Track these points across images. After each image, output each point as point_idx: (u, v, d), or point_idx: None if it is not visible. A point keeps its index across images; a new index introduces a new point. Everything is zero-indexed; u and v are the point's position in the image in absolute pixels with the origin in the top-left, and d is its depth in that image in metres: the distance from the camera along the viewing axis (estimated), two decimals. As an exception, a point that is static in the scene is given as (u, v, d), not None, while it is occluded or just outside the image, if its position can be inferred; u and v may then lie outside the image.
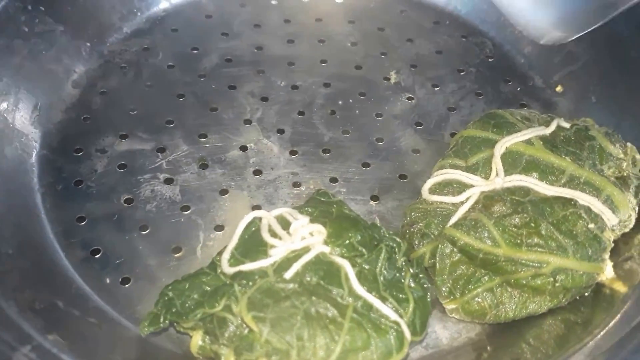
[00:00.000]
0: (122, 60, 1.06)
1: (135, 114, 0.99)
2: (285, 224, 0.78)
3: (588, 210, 0.80)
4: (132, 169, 0.92)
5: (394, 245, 0.77)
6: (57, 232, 0.86)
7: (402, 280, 0.75)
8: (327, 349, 0.68)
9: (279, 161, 0.94)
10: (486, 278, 0.77)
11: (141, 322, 0.73)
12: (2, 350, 0.68)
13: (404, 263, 0.77)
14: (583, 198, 0.80)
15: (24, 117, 0.95)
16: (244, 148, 0.96)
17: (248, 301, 0.70)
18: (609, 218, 0.81)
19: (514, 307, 0.78)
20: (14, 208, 0.87)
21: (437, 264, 0.78)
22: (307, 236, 0.76)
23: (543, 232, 0.77)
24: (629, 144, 0.87)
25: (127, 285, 0.82)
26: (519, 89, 1.06)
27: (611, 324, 0.75)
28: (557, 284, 0.76)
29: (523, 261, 0.76)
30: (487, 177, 0.83)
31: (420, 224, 0.82)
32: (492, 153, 0.84)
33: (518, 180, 0.82)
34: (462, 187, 0.83)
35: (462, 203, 0.82)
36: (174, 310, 0.72)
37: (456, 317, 0.79)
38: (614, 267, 0.81)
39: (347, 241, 0.76)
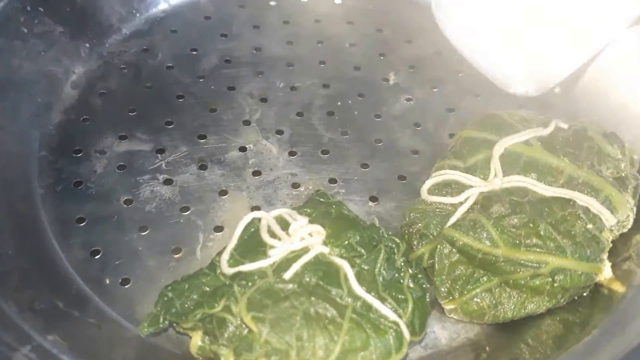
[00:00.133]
0: (122, 61, 1.06)
1: (134, 114, 0.99)
2: (284, 224, 0.78)
3: (587, 210, 0.80)
4: (132, 170, 0.92)
5: (393, 245, 0.77)
6: (56, 233, 0.86)
7: (401, 281, 0.75)
8: (327, 349, 0.68)
9: (278, 162, 0.95)
10: (485, 278, 0.78)
11: (141, 323, 0.73)
12: (2, 350, 0.69)
13: (402, 263, 0.77)
14: (581, 199, 0.81)
15: (22, 118, 0.95)
16: (243, 149, 0.96)
17: (247, 302, 0.70)
18: (608, 218, 0.81)
19: (512, 308, 0.78)
20: (13, 209, 0.87)
21: (436, 265, 0.78)
22: (306, 237, 0.76)
23: (542, 233, 0.77)
24: (626, 145, 0.87)
25: (126, 286, 0.82)
26: (517, 90, 1.06)
27: (609, 324, 0.75)
28: (555, 284, 0.77)
29: (522, 261, 0.76)
30: (485, 178, 0.83)
31: (419, 225, 0.82)
32: (491, 154, 0.84)
33: (517, 181, 0.82)
34: (460, 187, 0.83)
35: (461, 204, 0.82)
36: (173, 310, 0.73)
37: (455, 317, 0.79)
38: (612, 267, 0.81)
39: (346, 242, 0.76)
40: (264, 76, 1.06)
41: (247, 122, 0.99)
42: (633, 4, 0.93)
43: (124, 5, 1.11)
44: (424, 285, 0.77)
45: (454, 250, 0.78)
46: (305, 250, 0.75)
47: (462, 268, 0.78)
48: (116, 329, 0.78)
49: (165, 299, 0.73)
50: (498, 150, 0.84)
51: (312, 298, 0.70)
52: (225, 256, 0.75)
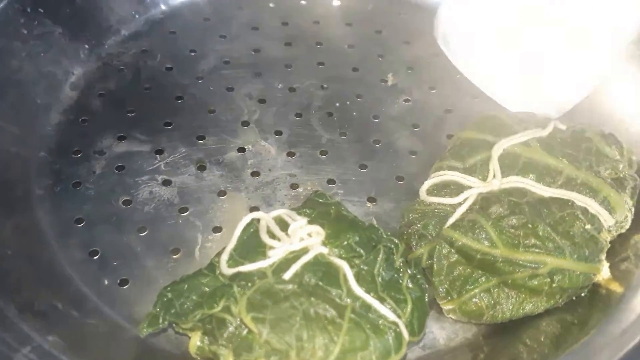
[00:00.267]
0: (121, 62, 1.06)
1: (133, 115, 0.99)
2: (283, 225, 0.78)
3: (585, 211, 0.80)
4: (130, 171, 0.92)
5: (392, 246, 0.78)
6: (55, 234, 0.86)
7: (400, 281, 0.75)
8: (326, 350, 0.68)
9: (276, 163, 0.95)
10: (483, 279, 0.78)
11: (140, 323, 0.73)
12: (3, 350, 0.69)
13: (401, 264, 0.77)
14: (580, 199, 0.81)
15: (21, 119, 0.95)
16: (241, 150, 0.96)
17: (247, 302, 0.70)
18: (606, 219, 0.81)
19: (511, 308, 0.78)
20: (12, 210, 0.87)
21: (435, 265, 0.78)
22: (306, 237, 0.76)
23: (540, 233, 0.77)
24: (625, 146, 0.87)
25: (125, 287, 0.82)
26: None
27: (607, 324, 0.75)
28: (554, 285, 0.77)
29: (520, 262, 0.77)
30: (484, 179, 0.84)
31: (418, 225, 0.82)
32: (490, 155, 0.84)
33: (515, 181, 0.82)
34: (459, 188, 0.84)
35: (460, 204, 0.82)
36: (172, 311, 0.73)
37: (453, 317, 0.80)
38: (610, 267, 0.81)
39: (346, 242, 0.76)
40: (262, 77, 1.06)
41: (245, 123, 0.99)
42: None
43: (123, 6, 1.11)
44: (423, 286, 0.77)
45: (452, 250, 0.79)
46: (304, 251, 0.75)
47: (460, 268, 0.79)
48: (115, 329, 0.79)
49: (165, 299, 0.73)
50: (497, 151, 0.84)
51: (312, 298, 0.71)
52: (225, 257, 0.75)
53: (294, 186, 0.92)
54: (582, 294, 0.80)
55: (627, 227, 0.83)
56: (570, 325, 0.78)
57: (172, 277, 0.77)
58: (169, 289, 0.74)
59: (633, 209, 0.83)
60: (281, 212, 0.80)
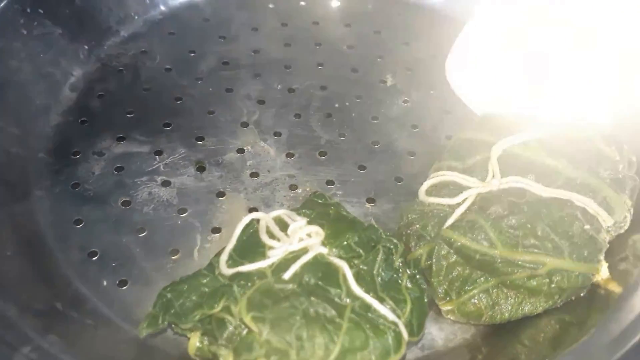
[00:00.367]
0: (120, 63, 1.06)
1: (132, 116, 0.99)
2: (283, 225, 0.78)
3: (584, 211, 0.80)
4: (130, 172, 0.92)
5: (391, 246, 0.78)
6: (54, 235, 0.86)
7: (400, 282, 0.75)
8: (326, 349, 0.68)
9: (275, 164, 0.95)
10: (482, 279, 0.78)
11: (140, 324, 0.73)
12: (3, 350, 0.69)
13: (401, 264, 0.77)
14: (579, 199, 0.80)
15: (21, 120, 0.95)
16: (240, 151, 0.96)
17: (247, 302, 0.70)
18: (605, 219, 0.81)
19: (509, 308, 0.78)
20: (11, 211, 0.87)
21: (434, 266, 0.78)
22: (305, 237, 0.76)
23: (539, 233, 0.77)
24: (625, 146, 0.87)
25: (124, 288, 0.82)
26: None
27: (606, 324, 0.75)
28: (552, 285, 0.77)
29: (519, 262, 0.76)
30: (483, 179, 0.83)
31: (417, 226, 0.82)
32: (489, 155, 0.84)
33: (514, 181, 0.82)
34: (458, 188, 0.83)
35: (459, 205, 0.82)
36: (172, 311, 0.73)
37: (452, 318, 0.80)
38: (609, 267, 0.81)
39: (345, 242, 0.76)
40: (261, 78, 1.06)
41: (244, 124, 0.99)
42: None
43: (122, 7, 1.11)
44: (423, 286, 0.77)
45: (451, 251, 0.79)
46: (304, 251, 0.75)
47: (459, 269, 0.79)
48: (114, 330, 0.79)
49: (164, 299, 0.73)
50: (496, 151, 0.84)
51: (312, 298, 0.71)
52: (224, 257, 0.75)
53: (293, 187, 0.92)
54: (581, 294, 0.80)
55: (626, 227, 0.83)
56: (568, 326, 0.78)
57: (171, 277, 0.77)
58: (168, 289, 0.74)
59: (632, 210, 0.83)
60: (281, 212, 0.80)
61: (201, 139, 0.97)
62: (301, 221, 0.78)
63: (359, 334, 0.70)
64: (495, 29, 0.99)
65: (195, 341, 0.73)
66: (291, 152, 0.96)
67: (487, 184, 0.82)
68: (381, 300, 0.73)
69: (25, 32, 0.99)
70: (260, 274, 0.73)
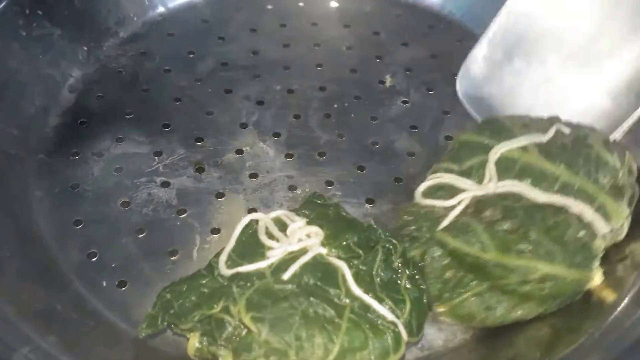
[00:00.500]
0: (119, 64, 1.06)
1: (131, 117, 0.99)
2: (282, 226, 0.78)
3: (579, 218, 0.79)
4: (129, 173, 0.92)
5: (390, 247, 0.78)
6: (54, 236, 0.86)
7: (399, 282, 0.75)
8: (325, 349, 0.69)
9: (274, 164, 0.95)
10: (475, 283, 0.77)
11: (140, 324, 0.73)
12: (2, 351, 0.69)
13: (400, 265, 0.77)
14: (575, 205, 0.79)
15: (20, 121, 0.95)
16: (240, 152, 0.96)
17: (247, 302, 0.70)
18: (601, 226, 0.79)
19: (502, 312, 0.77)
20: (11, 212, 0.87)
21: (427, 267, 0.78)
22: (304, 238, 0.76)
23: (533, 238, 0.76)
24: (627, 153, 0.85)
25: (123, 289, 0.82)
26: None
27: (599, 331, 0.75)
28: (545, 291, 0.76)
29: (512, 267, 0.76)
30: (480, 182, 0.83)
31: (412, 227, 0.82)
32: (487, 158, 0.84)
33: (511, 185, 0.81)
34: (454, 191, 0.83)
35: (454, 207, 0.81)
36: (172, 312, 0.73)
37: (446, 320, 0.79)
38: (604, 275, 0.80)
39: (344, 243, 0.76)
40: (260, 79, 1.06)
41: (244, 125, 0.99)
42: None
43: (122, 9, 1.11)
44: (422, 287, 0.77)
45: (444, 253, 0.78)
46: (303, 251, 0.75)
47: (452, 271, 0.78)
48: (113, 330, 0.79)
49: (164, 300, 0.73)
50: (494, 155, 0.83)
51: (311, 298, 0.71)
52: (224, 257, 0.75)
53: (292, 188, 0.92)
54: (575, 300, 0.80)
55: (623, 235, 0.82)
56: (561, 331, 0.78)
57: (170, 278, 0.77)
58: (168, 290, 0.74)
59: (630, 218, 0.82)
60: (280, 213, 0.80)
61: (200, 139, 0.97)
62: (300, 222, 0.78)
63: (358, 334, 0.70)
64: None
65: (194, 341, 0.73)
66: (290, 152, 0.96)
67: (483, 187, 0.82)
68: (380, 301, 0.73)
69: (24, 33, 0.99)
70: (260, 274, 0.73)
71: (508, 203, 0.79)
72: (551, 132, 0.85)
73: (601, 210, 0.79)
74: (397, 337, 0.71)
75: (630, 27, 0.94)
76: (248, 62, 1.09)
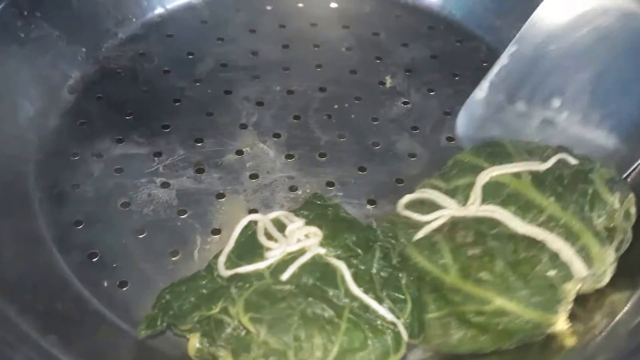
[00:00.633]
0: (118, 65, 1.06)
1: (131, 118, 0.99)
2: (281, 226, 0.78)
3: (555, 256, 0.75)
4: (129, 173, 0.92)
5: (389, 246, 0.78)
6: (54, 236, 0.86)
7: (400, 281, 0.75)
8: (325, 350, 0.68)
9: (275, 165, 0.95)
10: (434, 307, 0.76)
11: (139, 325, 0.73)
12: (3, 350, 0.69)
13: (398, 264, 0.77)
14: (554, 242, 0.76)
15: (20, 122, 0.95)
16: (240, 152, 0.96)
17: (245, 303, 0.70)
18: (579, 269, 0.75)
19: (457, 341, 0.75)
20: (11, 213, 0.87)
21: None
22: (303, 238, 0.76)
23: (495, 270, 0.73)
24: (630, 195, 0.82)
25: (124, 289, 0.82)
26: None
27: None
28: (500, 326, 0.73)
29: (467, 294, 0.74)
30: (464, 203, 0.81)
31: (389, 234, 0.80)
32: (474, 180, 0.82)
33: (492, 211, 0.79)
34: (436, 208, 0.81)
35: (429, 223, 0.80)
36: (171, 312, 0.72)
37: None
38: (575, 319, 0.77)
39: (343, 242, 0.76)
40: (260, 80, 1.06)
41: (243, 126, 0.99)
42: None
43: (120, 10, 1.11)
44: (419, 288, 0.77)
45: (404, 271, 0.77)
46: (302, 252, 0.75)
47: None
48: (114, 331, 0.78)
49: (163, 301, 0.73)
50: (483, 177, 0.81)
51: (310, 299, 0.70)
52: (222, 258, 0.75)
53: (292, 188, 0.92)
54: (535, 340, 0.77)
55: (605, 282, 0.78)
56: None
57: (171, 279, 0.77)
58: (167, 290, 0.74)
59: (615, 264, 0.79)
60: (279, 214, 0.80)
61: (200, 140, 0.97)
62: (299, 222, 0.78)
63: (357, 335, 0.69)
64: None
65: (194, 342, 0.73)
66: (291, 153, 0.96)
67: (464, 208, 0.80)
68: (380, 301, 0.72)
69: (22, 35, 0.99)
70: (258, 275, 0.73)
71: (483, 228, 0.77)
72: (551, 162, 0.82)
73: (583, 251, 0.76)
74: (397, 337, 0.71)
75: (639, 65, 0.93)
76: (247, 62, 1.08)
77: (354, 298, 0.72)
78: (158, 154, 0.95)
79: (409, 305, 0.73)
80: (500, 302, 0.73)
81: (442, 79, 1.07)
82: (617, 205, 0.79)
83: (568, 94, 0.95)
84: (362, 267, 0.75)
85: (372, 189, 0.93)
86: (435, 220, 0.80)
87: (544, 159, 0.83)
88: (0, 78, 0.95)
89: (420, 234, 0.79)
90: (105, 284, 0.82)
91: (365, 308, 0.72)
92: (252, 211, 0.89)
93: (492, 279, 0.73)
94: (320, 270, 0.73)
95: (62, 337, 0.73)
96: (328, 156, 0.96)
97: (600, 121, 0.93)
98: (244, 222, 0.78)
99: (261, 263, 0.74)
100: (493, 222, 0.78)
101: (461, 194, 0.82)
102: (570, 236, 0.76)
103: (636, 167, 0.89)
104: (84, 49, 1.06)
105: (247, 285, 0.72)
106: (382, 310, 0.72)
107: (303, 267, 0.73)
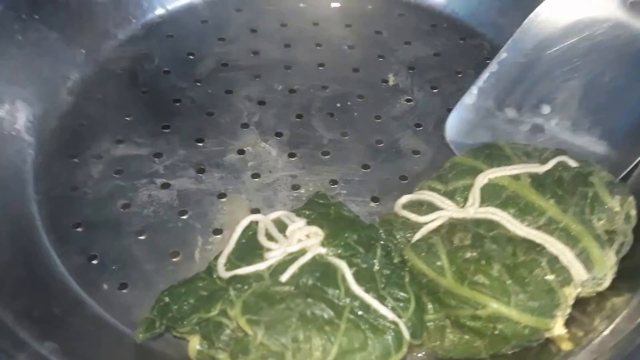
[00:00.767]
0: (118, 66, 1.05)
1: (131, 119, 0.98)
2: (282, 227, 0.77)
3: (554, 260, 0.74)
4: (129, 174, 0.91)
5: (390, 245, 0.77)
6: (53, 239, 0.85)
7: (403, 279, 0.74)
8: (324, 351, 0.67)
9: (277, 164, 0.94)
10: (432, 307, 0.75)
11: (137, 328, 0.73)
12: (0, 358, 0.68)
13: (399, 263, 0.76)
14: (554, 245, 0.75)
15: (19, 124, 0.94)
16: (241, 152, 0.95)
17: (243, 305, 0.69)
18: (579, 273, 0.74)
19: (451, 345, 0.75)
20: (9, 215, 0.86)
21: None
22: (304, 238, 0.75)
23: (493, 274, 0.72)
24: (630, 198, 0.81)
25: (124, 291, 0.81)
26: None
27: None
28: (496, 332, 0.72)
29: (462, 297, 0.73)
30: (462, 205, 0.80)
31: (386, 235, 0.80)
32: (473, 182, 0.81)
33: (491, 213, 0.78)
34: (434, 209, 0.81)
35: (426, 224, 0.79)
36: (170, 315, 0.72)
37: None
38: (577, 324, 0.76)
39: (344, 241, 0.75)
40: (261, 79, 1.05)
41: (245, 125, 0.98)
42: None
43: (120, 11, 1.10)
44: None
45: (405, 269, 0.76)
46: (302, 252, 0.74)
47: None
48: (114, 334, 0.78)
49: (162, 303, 0.73)
50: (481, 179, 0.81)
51: (309, 299, 0.70)
52: (222, 260, 0.75)
53: (295, 187, 0.91)
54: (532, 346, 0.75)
55: (606, 285, 0.77)
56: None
57: (172, 280, 0.77)
58: (166, 293, 0.74)
59: (615, 267, 0.77)
60: (280, 214, 0.79)
61: (201, 140, 0.96)
62: (300, 222, 0.77)
63: (357, 335, 0.68)
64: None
65: (195, 344, 0.72)
66: (293, 152, 0.95)
67: (462, 210, 0.79)
68: (382, 299, 0.71)
69: (20, 38, 0.98)
70: (258, 276, 0.72)
71: (481, 231, 0.76)
72: (550, 164, 0.82)
73: (583, 255, 0.75)
74: (398, 336, 0.70)
75: (633, 73, 0.93)
76: (249, 62, 1.07)
77: (354, 297, 0.71)
78: (158, 155, 0.94)
79: (413, 304, 0.72)
80: (495, 306, 0.71)
81: (445, 77, 1.07)
82: (617, 208, 0.78)
83: (558, 101, 0.95)
84: (364, 266, 0.74)
85: (376, 186, 0.92)
86: (432, 221, 0.79)
87: (543, 161, 0.83)
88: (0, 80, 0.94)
89: (417, 236, 0.78)
90: (105, 287, 0.81)
91: (366, 307, 0.70)
92: (254, 211, 0.88)
93: (488, 283, 0.72)
94: (320, 270, 0.73)
95: (60, 342, 0.72)
96: (331, 154, 0.95)
97: (589, 128, 0.93)
98: (244, 222, 0.78)
99: (261, 264, 0.73)
100: (491, 224, 0.77)
101: (459, 196, 0.81)
102: (570, 239, 0.75)
103: (626, 172, 0.88)
104: (83, 51, 1.05)
105: (246, 287, 0.71)
106: (383, 309, 0.70)
107: (303, 268, 0.73)
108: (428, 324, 0.74)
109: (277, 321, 0.68)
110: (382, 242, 0.76)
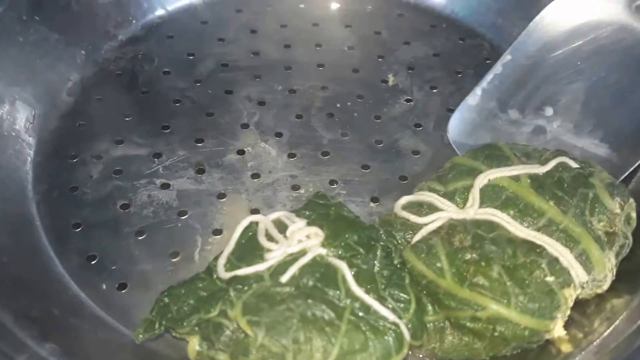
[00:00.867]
0: (118, 67, 1.05)
1: (130, 119, 0.98)
2: (282, 227, 0.77)
3: (554, 261, 0.74)
4: (128, 175, 0.91)
5: (391, 246, 0.77)
6: (52, 239, 0.85)
7: (404, 280, 0.74)
8: (324, 352, 0.67)
9: (277, 164, 0.94)
10: (431, 310, 0.75)
11: (136, 329, 0.72)
12: (-1, 359, 0.68)
13: (399, 264, 0.76)
14: (554, 247, 0.75)
15: (19, 125, 0.94)
16: (241, 152, 0.95)
17: (243, 305, 0.69)
18: (579, 274, 0.74)
19: (450, 347, 0.74)
20: (8, 216, 0.86)
21: None
22: (304, 239, 0.75)
23: (492, 275, 0.72)
24: (631, 200, 0.81)
25: (123, 291, 0.81)
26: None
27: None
28: (496, 333, 0.72)
29: (462, 299, 0.72)
30: (462, 206, 0.80)
31: (386, 236, 0.79)
32: (472, 183, 0.81)
33: (491, 214, 0.78)
34: (434, 210, 0.80)
35: (426, 225, 0.79)
36: (169, 316, 0.72)
37: None
38: (577, 325, 0.76)
39: (344, 242, 0.75)
40: (261, 80, 1.05)
41: (245, 125, 0.98)
42: None
43: (120, 11, 1.10)
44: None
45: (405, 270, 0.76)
46: (302, 253, 0.74)
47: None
48: (113, 335, 0.77)
49: (162, 304, 0.73)
50: (481, 180, 0.80)
51: (309, 300, 0.69)
52: (222, 260, 0.75)
53: (295, 187, 0.91)
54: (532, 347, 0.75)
55: (606, 287, 0.77)
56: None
57: (172, 280, 0.76)
58: (166, 293, 0.73)
59: (615, 269, 0.77)
60: (280, 214, 0.79)
61: (201, 141, 0.96)
62: (300, 223, 0.77)
63: (358, 336, 0.68)
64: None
65: (195, 345, 0.72)
66: (293, 152, 0.95)
67: (462, 211, 0.79)
68: (383, 300, 0.71)
69: (21, 39, 0.99)
70: (258, 277, 0.72)
71: (480, 232, 0.76)
72: (550, 165, 0.82)
73: (583, 256, 0.75)
74: (399, 337, 0.70)
75: (636, 76, 0.94)
76: (248, 63, 1.07)
77: (355, 298, 0.71)
78: (158, 155, 0.94)
79: (413, 305, 0.72)
80: (495, 307, 0.71)
81: (444, 77, 1.07)
82: (617, 210, 0.79)
83: (561, 103, 0.95)
84: (364, 267, 0.74)
85: (376, 186, 0.92)
86: (432, 222, 0.79)
87: (543, 162, 0.82)
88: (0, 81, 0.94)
89: (417, 237, 0.78)
90: (104, 287, 0.81)
91: (367, 309, 0.70)
92: (254, 211, 0.88)
93: (488, 284, 0.72)
94: (320, 271, 0.72)
95: (59, 343, 0.72)
96: (331, 155, 0.95)
97: (591, 130, 0.93)
98: (244, 223, 0.78)
99: (261, 265, 0.73)
100: (491, 225, 0.77)
101: (459, 197, 0.81)
102: (570, 241, 0.75)
103: (627, 175, 0.89)
104: (83, 52, 1.05)
105: (246, 287, 0.71)
106: (384, 310, 0.70)
107: (303, 268, 0.72)
108: (427, 325, 0.74)
109: (277, 322, 0.68)
110: (382, 243, 0.76)
